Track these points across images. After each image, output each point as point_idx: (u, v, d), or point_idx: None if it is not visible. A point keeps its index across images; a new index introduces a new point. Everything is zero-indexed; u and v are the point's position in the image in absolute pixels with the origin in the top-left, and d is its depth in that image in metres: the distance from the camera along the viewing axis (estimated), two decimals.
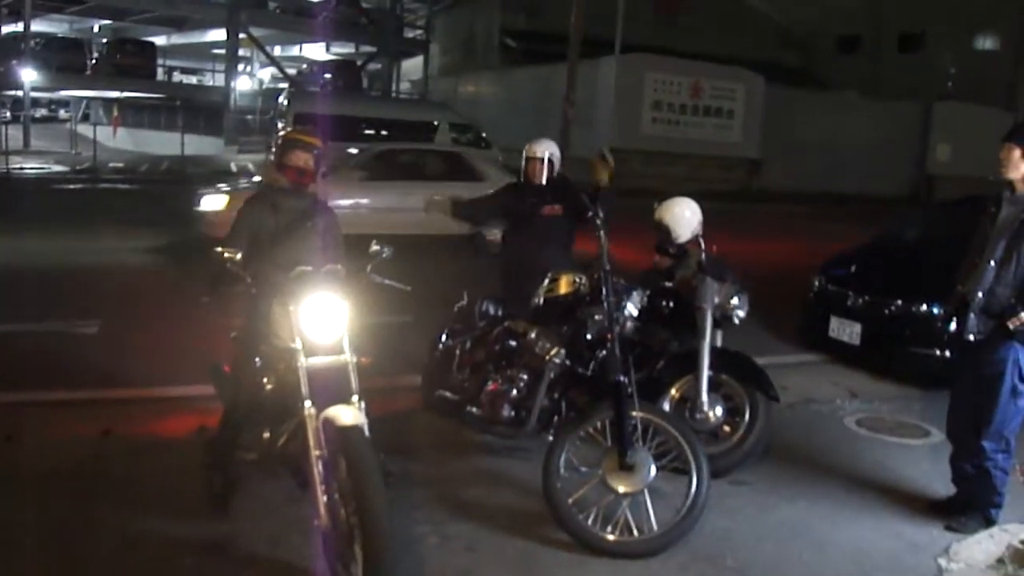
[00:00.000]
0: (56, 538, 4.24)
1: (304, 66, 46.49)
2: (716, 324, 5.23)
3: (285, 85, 38.27)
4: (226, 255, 4.00)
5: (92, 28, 49.37)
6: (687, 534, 4.32)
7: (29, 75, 33.96)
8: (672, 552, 4.27)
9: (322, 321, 3.79)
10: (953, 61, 33.82)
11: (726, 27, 36.43)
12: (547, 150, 6.35)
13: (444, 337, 5.71)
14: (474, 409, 5.18)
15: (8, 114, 39.78)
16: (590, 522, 4.31)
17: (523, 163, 6.40)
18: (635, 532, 4.28)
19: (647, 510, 4.30)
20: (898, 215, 11.42)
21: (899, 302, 7.47)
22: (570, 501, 4.35)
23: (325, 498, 3.63)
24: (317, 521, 3.65)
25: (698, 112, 29.41)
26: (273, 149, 5.17)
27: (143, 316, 8.49)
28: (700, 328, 5.12)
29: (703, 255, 5.34)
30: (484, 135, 23.83)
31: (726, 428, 5.26)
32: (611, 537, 4.27)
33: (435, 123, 23.56)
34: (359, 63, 41.68)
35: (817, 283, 8.26)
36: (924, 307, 7.30)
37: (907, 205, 26.26)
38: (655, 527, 4.27)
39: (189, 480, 4.70)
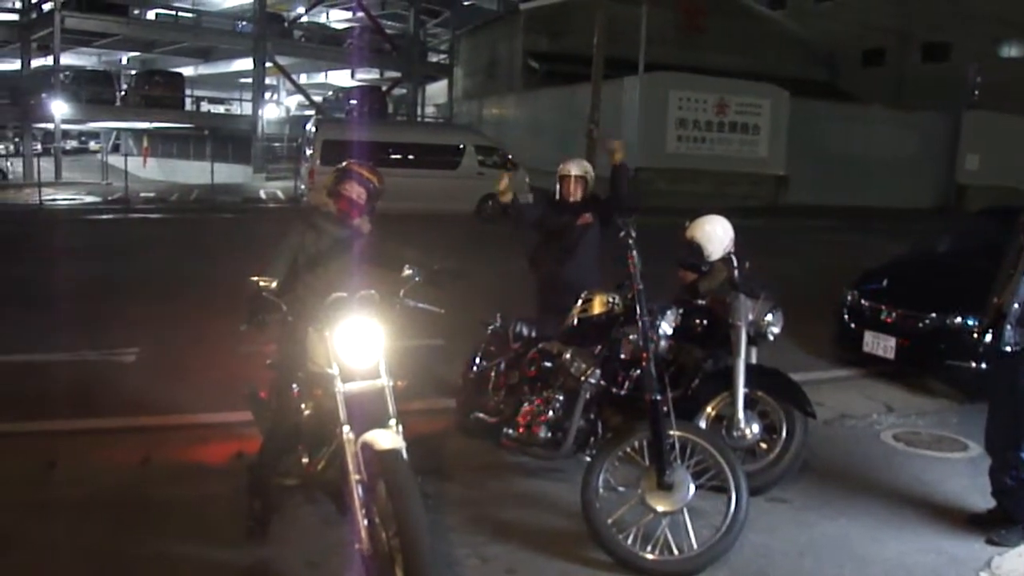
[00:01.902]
0: (97, 564, 4.29)
1: (330, 93, 46.97)
2: (751, 341, 5.22)
3: (312, 112, 38.65)
4: (261, 283, 4.04)
5: (120, 60, 50.15)
6: (727, 552, 4.30)
7: (60, 108, 34.49)
8: (712, 570, 4.25)
9: (358, 346, 3.82)
10: (980, 70, 33.58)
11: (750, 43, 36.47)
12: (581, 168, 6.45)
13: (478, 359, 5.73)
14: (510, 431, 5.18)
15: (40, 146, 40.42)
16: (629, 542, 4.30)
17: (558, 182, 6.48)
18: (675, 551, 4.27)
19: (686, 529, 4.29)
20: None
21: (933, 315, 7.40)
22: (609, 521, 4.35)
23: (365, 522, 3.65)
24: (358, 545, 3.66)
25: (724, 129, 29.38)
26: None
27: (180, 343, 8.58)
28: (735, 345, 5.11)
29: (736, 272, 5.34)
30: (510, 156, 23.94)
31: (763, 445, 5.24)
32: (651, 556, 4.26)
33: (461, 146, 23.70)
34: (384, 88, 42.03)
35: (850, 297, 8.20)
36: (959, 320, 7.22)
37: (937, 216, 26.05)
38: (695, 545, 4.26)
39: (228, 506, 4.73)
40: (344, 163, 4.70)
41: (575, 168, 6.45)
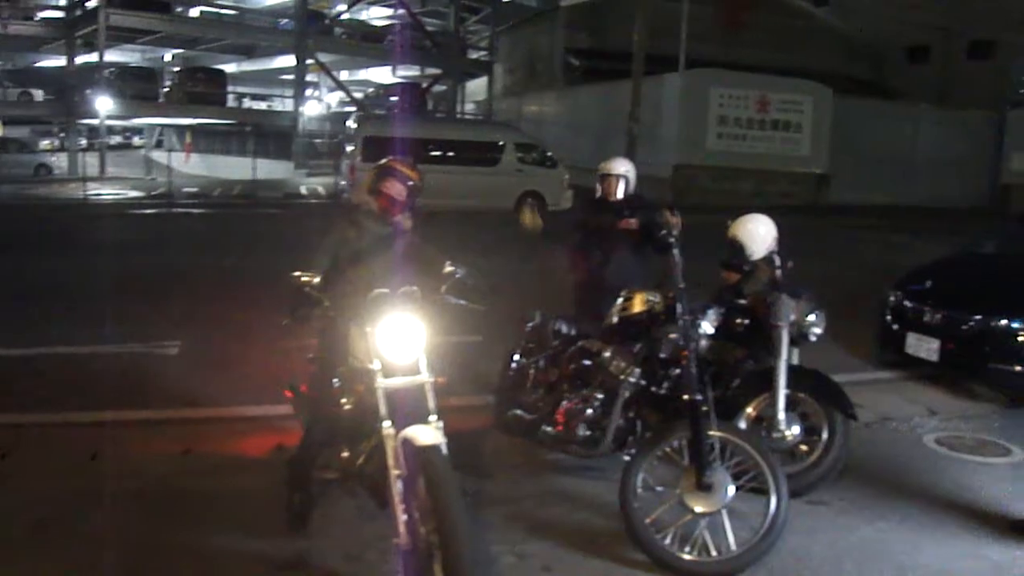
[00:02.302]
0: (137, 555, 4.35)
1: (371, 89, 47.18)
2: (792, 342, 5.17)
3: (352, 109, 38.86)
4: (304, 279, 4.08)
5: (164, 57, 50.66)
6: (765, 555, 4.27)
7: (104, 104, 34.97)
8: (750, 572, 4.23)
9: (399, 342, 3.84)
10: None
11: (792, 39, 36.15)
12: (623, 167, 6.46)
13: (517, 356, 5.72)
14: (548, 428, 5.19)
15: (84, 142, 41.00)
16: (667, 542, 4.28)
17: (599, 180, 6.49)
18: (713, 552, 4.25)
19: (725, 530, 4.26)
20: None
21: (978, 317, 7.29)
22: (647, 521, 4.33)
23: (405, 516, 3.67)
24: (397, 539, 3.68)
25: (765, 126, 29.14)
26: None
27: (222, 337, 8.68)
28: (776, 346, 5.06)
29: (778, 272, 5.30)
30: (550, 154, 23.93)
31: (803, 447, 5.19)
32: (688, 557, 4.24)
33: (501, 143, 23.71)
34: (424, 85, 42.15)
35: (893, 298, 8.08)
36: (1004, 322, 7.12)
37: (981, 216, 25.64)
38: (733, 547, 4.23)
39: (268, 498, 4.77)
40: (384, 161, 4.73)
41: (616, 167, 6.46)
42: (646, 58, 23.73)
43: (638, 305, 5.10)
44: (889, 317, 8.07)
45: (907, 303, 7.91)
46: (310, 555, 4.35)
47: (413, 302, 4.02)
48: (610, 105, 28.74)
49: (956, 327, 7.40)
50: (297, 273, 4.12)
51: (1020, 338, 6.94)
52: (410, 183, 4.60)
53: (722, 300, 5.34)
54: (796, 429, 5.13)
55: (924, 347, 7.54)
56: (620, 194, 6.42)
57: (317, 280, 4.10)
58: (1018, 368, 6.96)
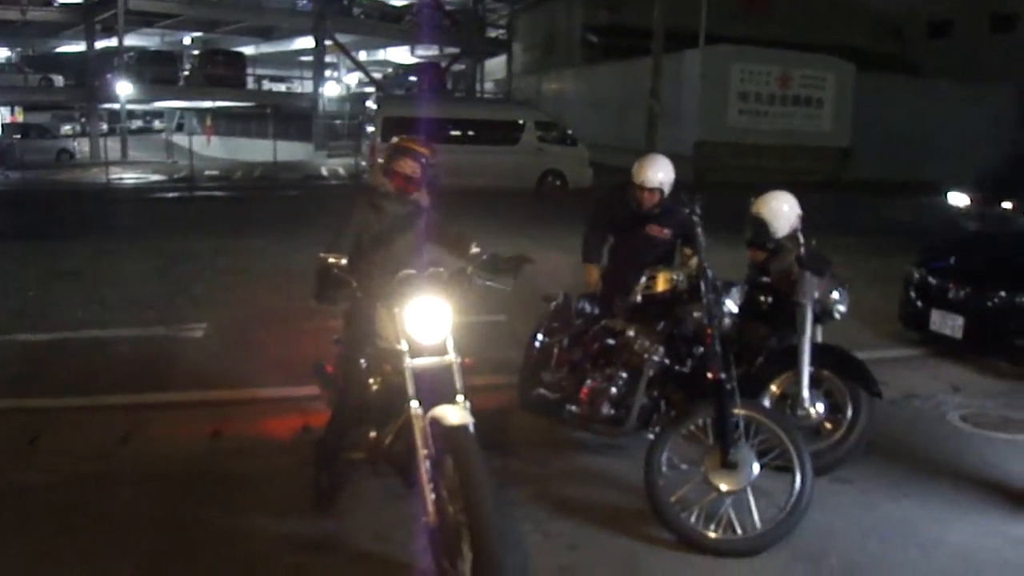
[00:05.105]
0: (166, 535, 4.40)
1: (390, 70, 47.21)
2: (816, 319, 5.16)
3: (372, 89, 38.88)
4: (331, 260, 4.10)
5: (183, 41, 50.79)
6: (790, 532, 4.29)
7: (124, 88, 35.17)
8: (775, 550, 4.24)
9: (427, 323, 3.86)
10: None
11: (814, 14, 35.85)
12: (658, 176, 5.86)
13: (541, 336, 5.74)
14: (573, 407, 5.20)
15: (105, 127, 41.20)
16: (692, 520, 4.30)
17: (634, 190, 5.93)
18: (738, 530, 4.26)
19: (750, 508, 4.28)
20: None
21: (1003, 293, 7.24)
22: (672, 499, 4.35)
23: (433, 496, 3.69)
24: (425, 518, 3.71)
25: (787, 102, 28.99)
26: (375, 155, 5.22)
27: (246, 319, 8.75)
28: (800, 324, 5.05)
29: (802, 249, 5.28)
30: (570, 132, 23.85)
31: (827, 425, 5.19)
32: (713, 535, 4.26)
33: (521, 122, 23.65)
34: (443, 64, 42.09)
35: (917, 275, 8.04)
36: None
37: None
38: (758, 525, 4.25)
39: (296, 479, 4.82)
40: (395, 140, 4.77)
41: (652, 178, 5.83)
42: (666, 34, 23.59)
43: (662, 284, 5.07)
44: (912, 294, 8.03)
45: (931, 280, 7.87)
46: (338, 535, 4.39)
47: (440, 283, 4.04)
48: (630, 82, 28.64)
49: (980, 304, 7.36)
50: (324, 255, 4.13)
51: None
52: (423, 160, 4.63)
53: (751, 280, 5.34)
54: (820, 407, 5.13)
55: (948, 324, 7.50)
56: (651, 205, 5.91)
57: (344, 262, 4.12)
58: None
